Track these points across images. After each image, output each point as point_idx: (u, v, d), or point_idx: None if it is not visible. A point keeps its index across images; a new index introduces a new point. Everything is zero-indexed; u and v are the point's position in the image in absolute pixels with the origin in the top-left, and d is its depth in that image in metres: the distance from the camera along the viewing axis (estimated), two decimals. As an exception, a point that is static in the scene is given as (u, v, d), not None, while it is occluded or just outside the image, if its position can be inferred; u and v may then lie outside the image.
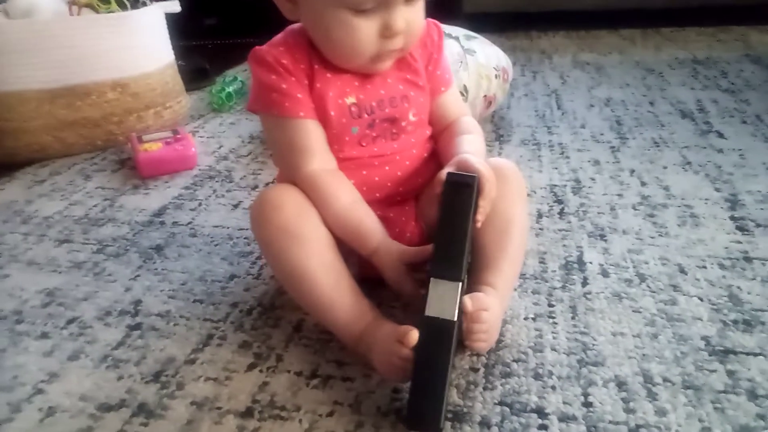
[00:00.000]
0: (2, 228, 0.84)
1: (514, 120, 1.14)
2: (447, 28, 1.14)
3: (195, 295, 0.66)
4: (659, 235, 0.72)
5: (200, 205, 0.88)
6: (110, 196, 0.92)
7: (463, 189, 0.50)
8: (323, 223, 0.55)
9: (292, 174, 0.57)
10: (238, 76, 1.40)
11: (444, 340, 0.46)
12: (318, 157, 0.57)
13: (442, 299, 0.47)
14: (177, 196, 0.91)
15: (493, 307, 0.52)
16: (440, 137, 0.64)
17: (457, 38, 1.11)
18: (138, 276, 0.70)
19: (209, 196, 0.91)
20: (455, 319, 0.46)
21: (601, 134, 1.05)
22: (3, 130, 1.03)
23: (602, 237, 0.72)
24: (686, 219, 0.75)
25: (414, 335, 0.46)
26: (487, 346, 0.54)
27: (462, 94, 0.99)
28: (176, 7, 1.20)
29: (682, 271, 0.65)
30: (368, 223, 0.56)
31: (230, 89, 1.31)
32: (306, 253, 0.53)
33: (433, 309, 0.46)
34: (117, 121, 1.11)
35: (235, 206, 0.87)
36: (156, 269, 0.71)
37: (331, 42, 0.55)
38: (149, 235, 0.80)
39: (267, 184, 0.93)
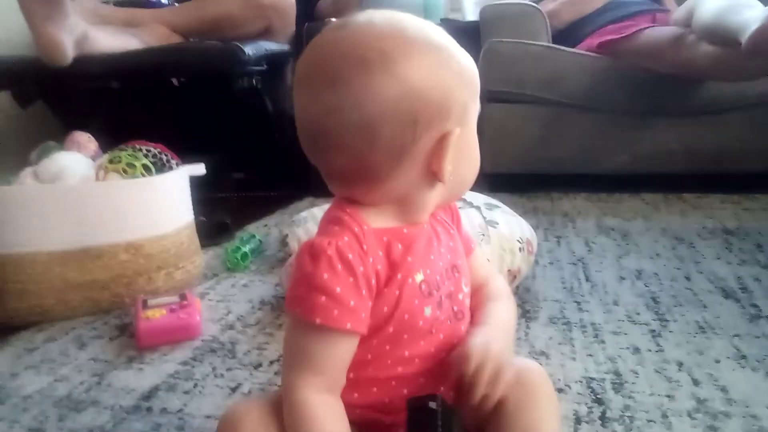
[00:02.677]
0: (-25, 409, 0.76)
1: (540, 293, 1.07)
2: (467, 195, 1.13)
3: None
4: (728, 459, 0.60)
5: (195, 386, 0.79)
6: (101, 370, 0.85)
7: (426, 416, 0.42)
8: None
9: (283, 388, 0.48)
10: (256, 235, 1.39)
11: None
12: (324, 380, 0.47)
13: None
14: (172, 374, 0.83)
15: None
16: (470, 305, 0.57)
17: (478, 207, 1.09)
18: (106, 487, 0.60)
19: (207, 375, 0.82)
20: None
21: (637, 314, 0.97)
22: (8, 291, 1.00)
23: (657, 457, 0.61)
24: (756, 436, 0.64)
25: None
26: None
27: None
28: (201, 170, 1.23)
29: None
30: None
31: (246, 249, 1.29)
32: None
33: None
34: (126, 283, 1.07)
35: (233, 390, 0.78)
36: (128, 477, 0.61)
37: (472, 163, 0.52)
38: (130, 427, 0.70)
39: (272, 362, 0.85)
